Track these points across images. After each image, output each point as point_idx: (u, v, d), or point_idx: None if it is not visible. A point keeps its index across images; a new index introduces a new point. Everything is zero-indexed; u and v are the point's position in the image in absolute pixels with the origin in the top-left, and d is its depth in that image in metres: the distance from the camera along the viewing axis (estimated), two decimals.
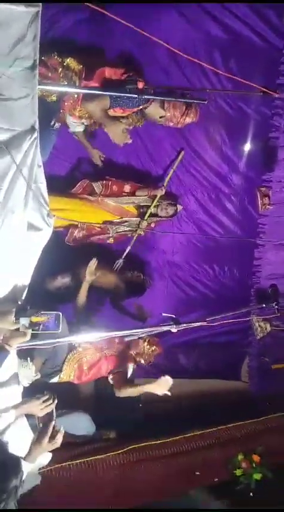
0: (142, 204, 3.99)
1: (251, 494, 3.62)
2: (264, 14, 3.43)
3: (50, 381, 3.29)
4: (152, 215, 4.03)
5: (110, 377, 3.36)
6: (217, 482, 3.68)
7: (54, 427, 2.28)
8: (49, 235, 2.26)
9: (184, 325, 2.74)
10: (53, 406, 2.33)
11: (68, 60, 2.90)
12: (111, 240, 4.00)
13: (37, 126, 1.95)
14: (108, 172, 3.89)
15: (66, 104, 3.05)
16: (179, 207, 4.14)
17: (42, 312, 2.17)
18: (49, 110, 2.97)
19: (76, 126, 3.40)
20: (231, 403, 4.55)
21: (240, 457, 3.78)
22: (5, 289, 2.19)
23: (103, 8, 2.62)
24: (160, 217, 4.08)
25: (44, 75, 2.76)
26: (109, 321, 3.88)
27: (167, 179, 4.02)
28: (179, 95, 3.42)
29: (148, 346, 3.64)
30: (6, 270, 2.16)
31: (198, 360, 4.76)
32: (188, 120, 3.36)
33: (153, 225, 4.13)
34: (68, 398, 3.41)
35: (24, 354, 2.76)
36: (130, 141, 3.22)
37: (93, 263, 3.47)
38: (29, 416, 2.44)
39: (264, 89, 3.47)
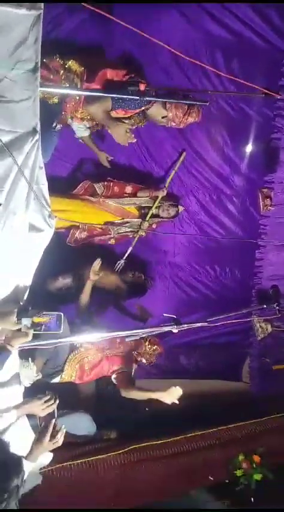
0: (143, 205, 4.00)
1: (252, 499, 3.61)
2: (266, 14, 3.43)
3: (51, 381, 3.31)
4: (153, 216, 4.04)
5: (113, 376, 3.38)
6: (215, 481, 3.68)
7: (55, 426, 2.29)
8: (50, 236, 2.27)
9: (185, 325, 2.74)
10: (55, 406, 2.34)
11: (70, 62, 2.91)
12: (112, 241, 4.01)
13: (39, 128, 1.96)
14: (110, 173, 3.89)
15: (67, 106, 3.07)
16: (180, 208, 4.15)
17: (43, 313, 2.18)
18: (51, 112, 2.98)
19: (82, 131, 3.43)
20: (232, 404, 4.55)
21: (241, 457, 3.79)
22: (6, 290, 2.20)
23: (105, 9, 2.63)
24: (162, 218, 4.09)
25: (45, 77, 2.76)
26: (111, 322, 3.91)
27: (168, 180, 4.03)
28: (181, 96, 3.42)
29: (149, 346, 3.66)
30: (8, 271, 2.17)
31: (199, 360, 4.77)
32: (190, 119, 3.37)
33: (154, 226, 4.14)
34: (69, 398, 3.43)
35: (26, 354, 2.78)
36: (134, 140, 3.23)
37: (97, 263, 3.50)
38: (30, 416, 2.45)
39: (266, 91, 3.47)
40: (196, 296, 4.58)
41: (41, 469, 2.71)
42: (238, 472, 3.74)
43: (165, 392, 2.98)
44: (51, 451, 2.44)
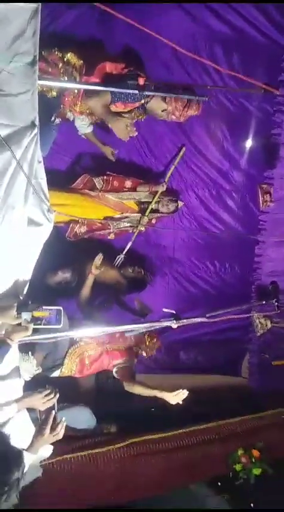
0: (143, 200, 4.00)
1: (252, 505, 3.63)
2: (266, 10, 3.41)
3: (51, 375, 3.32)
4: (153, 211, 4.04)
5: (114, 370, 3.39)
6: (215, 476, 3.70)
7: (55, 419, 2.30)
8: (49, 231, 2.27)
9: (185, 320, 2.75)
10: (55, 400, 2.35)
11: (69, 55, 2.91)
12: (111, 236, 4.01)
13: (37, 122, 1.96)
14: (109, 167, 3.89)
15: (66, 99, 3.06)
16: (180, 203, 4.14)
17: (43, 307, 2.19)
18: (49, 106, 2.97)
19: (85, 128, 3.43)
20: (231, 399, 4.58)
21: (240, 452, 3.81)
22: (6, 285, 2.21)
23: (105, 3, 2.63)
24: (161, 213, 4.09)
25: (44, 70, 2.76)
26: (110, 316, 3.91)
27: (168, 175, 4.02)
28: (180, 90, 3.41)
29: (149, 339, 3.68)
30: (7, 265, 2.18)
31: (198, 355, 4.78)
32: (190, 112, 3.36)
33: (153, 221, 4.14)
34: (69, 392, 3.43)
35: (26, 348, 2.79)
36: (136, 134, 3.23)
37: (99, 258, 3.56)
38: (30, 409, 2.46)
39: (265, 87, 3.46)
40: (196, 291, 4.58)
41: (41, 461, 2.72)
42: (238, 467, 3.76)
43: (171, 393, 3.04)
44: (52, 444, 2.45)
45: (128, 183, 3.91)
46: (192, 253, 4.50)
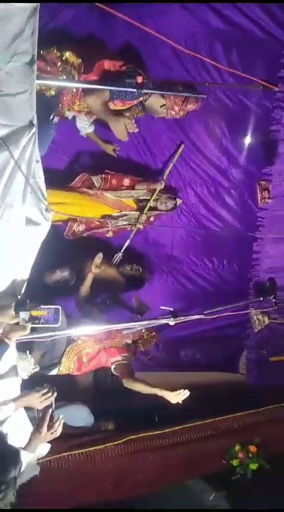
0: (141, 198, 4.00)
1: None
2: (266, 5, 3.39)
3: (49, 373, 3.33)
4: (151, 209, 4.04)
5: (113, 367, 3.40)
6: (212, 472, 3.73)
7: (52, 416, 2.31)
8: (47, 230, 2.27)
9: (182, 318, 2.76)
10: (52, 399, 2.36)
11: (67, 54, 2.89)
12: (110, 234, 4.01)
13: (35, 121, 1.95)
14: (108, 166, 3.88)
15: (65, 98, 3.05)
16: (178, 201, 4.14)
17: (41, 306, 2.20)
18: (48, 105, 2.96)
19: (87, 128, 3.42)
20: (229, 395, 4.60)
21: (237, 447, 3.83)
22: (4, 284, 2.21)
23: (104, 2, 2.61)
24: (160, 210, 4.09)
25: (42, 69, 2.75)
26: (108, 314, 3.92)
27: (166, 173, 4.02)
28: (179, 87, 3.40)
29: (147, 333, 3.69)
30: (5, 265, 2.18)
31: (196, 352, 4.80)
32: (189, 106, 3.36)
33: (152, 218, 4.14)
34: (67, 390, 3.45)
35: (23, 347, 2.80)
36: (137, 130, 3.21)
37: (99, 257, 3.57)
38: (28, 408, 2.47)
39: (264, 83, 3.45)
40: (194, 289, 4.59)
41: (38, 459, 2.74)
42: (235, 462, 3.79)
43: (172, 392, 3.02)
44: (49, 442, 2.46)
45: (126, 181, 3.91)
46: (190, 251, 4.51)
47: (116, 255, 4.15)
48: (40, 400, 2.33)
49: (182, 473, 3.69)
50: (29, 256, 2.29)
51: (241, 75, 3.35)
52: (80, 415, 3.54)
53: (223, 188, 4.23)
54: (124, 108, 3.27)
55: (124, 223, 4.00)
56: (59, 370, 3.36)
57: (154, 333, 3.76)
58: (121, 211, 3.95)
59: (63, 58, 2.88)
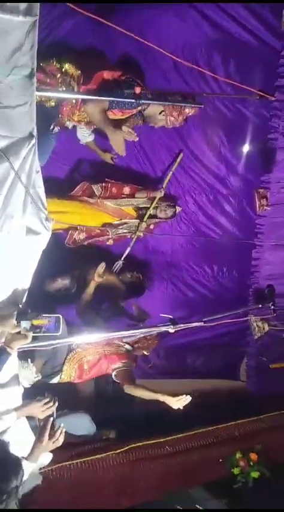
0: (141, 206, 4.03)
1: None
2: (262, 15, 3.45)
3: (50, 382, 3.34)
4: (151, 217, 4.07)
5: (114, 374, 3.40)
6: (214, 480, 3.72)
7: (53, 425, 2.32)
8: (48, 239, 2.29)
9: (182, 325, 2.78)
10: (54, 408, 2.36)
11: (66, 65, 2.93)
12: (110, 242, 4.03)
13: (35, 133, 1.98)
14: (108, 174, 3.92)
15: (64, 109, 3.08)
16: (178, 209, 4.17)
17: (42, 315, 2.21)
18: (48, 115, 3.00)
19: (87, 137, 3.45)
20: (229, 402, 4.59)
21: (238, 455, 3.82)
22: (5, 293, 2.23)
23: (103, 12, 2.66)
24: (159, 218, 4.12)
25: (42, 81, 2.78)
26: (109, 322, 3.93)
27: (166, 181, 4.05)
28: (177, 97, 3.45)
29: (148, 337, 3.70)
30: (6, 274, 2.20)
31: (196, 360, 4.80)
32: (188, 110, 3.39)
33: (152, 226, 4.16)
34: (68, 398, 3.45)
35: (25, 355, 2.81)
36: (136, 139, 3.25)
37: (102, 266, 3.61)
38: (30, 418, 2.47)
39: (261, 93, 3.50)
40: (194, 296, 4.61)
41: (40, 469, 2.73)
42: (236, 470, 3.78)
43: (174, 398, 3.00)
44: (51, 451, 2.46)
45: (126, 190, 3.94)
46: (189, 258, 4.53)
47: (117, 262, 4.17)
48: (41, 409, 2.33)
49: (183, 481, 3.68)
50: (30, 266, 2.30)
51: (238, 85, 3.38)
52: (82, 424, 3.54)
53: (222, 196, 4.27)
54: (124, 117, 3.30)
55: (125, 231, 4.03)
56: (60, 378, 3.37)
57: (154, 338, 3.78)
58: (121, 220, 3.97)
59: (63, 70, 2.92)
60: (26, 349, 2.34)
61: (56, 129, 3.28)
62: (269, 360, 4.70)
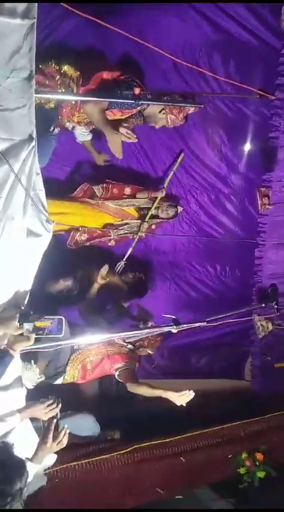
0: (142, 206, 4.03)
1: None
2: (261, 15, 3.43)
3: (54, 383, 3.34)
4: (153, 217, 4.08)
5: (116, 374, 3.41)
6: (219, 480, 3.71)
7: (57, 426, 2.32)
8: (48, 241, 2.30)
9: (184, 325, 2.78)
10: (57, 410, 2.37)
11: (65, 67, 2.94)
12: (112, 243, 4.04)
13: (35, 135, 1.99)
14: (109, 175, 3.92)
15: (64, 110, 3.10)
16: (179, 209, 4.18)
17: (45, 317, 2.23)
18: (47, 117, 3.00)
19: (85, 135, 3.45)
20: (234, 402, 4.57)
21: (244, 455, 3.80)
22: (7, 296, 2.24)
23: (102, 12, 2.66)
24: (161, 218, 4.13)
25: (41, 83, 2.79)
26: (111, 322, 3.93)
27: (167, 181, 4.06)
28: (177, 97, 3.44)
29: (151, 337, 3.70)
30: (8, 276, 2.20)
31: (200, 360, 4.79)
32: (188, 108, 3.39)
33: (153, 226, 4.17)
34: (72, 399, 3.45)
35: (28, 357, 2.82)
36: (136, 140, 3.25)
37: (105, 269, 3.64)
38: (33, 419, 2.48)
39: (261, 92, 3.49)
40: (197, 296, 4.60)
41: (45, 470, 2.74)
42: (241, 470, 3.76)
43: (177, 393, 2.97)
44: (55, 452, 2.46)
45: (127, 190, 3.95)
46: (192, 258, 4.52)
47: (119, 263, 4.18)
48: (45, 411, 2.34)
49: (189, 481, 3.67)
50: (31, 268, 2.31)
51: (238, 85, 3.38)
52: (86, 425, 3.53)
53: (223, 195, 4.26)
54: (123, 117, 3.31)
55: (126, 231, 4.04)
56: (63, 378, 3.38)
57: (157, 337, 3.78)
58: (122, 220, 3.98)
59: (62, 71, 2.93)
60: (28, 351, 2.34)
61: (56, 130, 3.29)
62: (273, 359, 4.68)
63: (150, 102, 3.15)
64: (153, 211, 4.02)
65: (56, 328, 2.25)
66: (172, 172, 4.04)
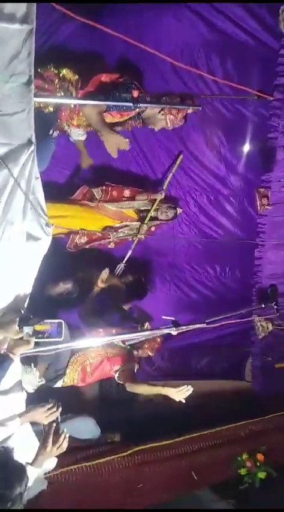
0: (142, 208, 4.03)
1: None
2: (259, 15, 3.44)
3: (54, 386, 3.34)
4: (152, 219, 4.07)
5: (116, 376, 3.41)
6: (220, 481, 3.71)
7: (57, 431, 2.32)
8: (48, 244, 2.30)
9: (184, 327, 2.78)
10: (58, 414, 2.36)
11: (64, 71, 2.94)
12: (112, 245, 4.04)
13: (34, 139, 1.99)
14: (108, 177, 3.92)
15: (63, 114, 3.10)
16: (179, 210, 4.17)
17: (45, 321, 2.23)
18: (47, 120, 3.01)
19: (80, 135, 3.45)
20: (235, 403, 4.58)
21: (244, 456, 3.81)
22: (7, 299, 2.24)
23: (98, 18, 2.66)
24: (161, 220, 4.12)
25: (40, 87, 2.80)
26: (111, 324, 3.93)
27: (166, 183, 4.05)
28: (175, 99, 3.45)
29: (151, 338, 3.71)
30: (7, 280, 2.20)
31: (201, 361, 4.80)
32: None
33: (153, 228, 4.17)
34: (73, 402, 3.45)
35: (28, 360, 2.82)
36: (128, 148, 3.26)
37: (105, 272, 3.64)
38: (34, 423, 2.47)
39: (259, 93, 3.49)
40: (197, 297, 4.60)
41: (45, 474, 2.74)
42: (242, 471, 3.77)
43: (175, 389, 2.97)
44: (56, 455, 2.46)
45: (127, 192, 3.94)
46: (192, 259, 4.52)
47: (119, 265, 4.18)
48: (45, 415, 2.33)
49: (190, 483, 3.67)
50: (31, 272, 2.31)
51: (237, 86, 3.38)
52: (86, 428, 3.53)
53: (222, 196, 4.26)
54: (122, 120, 3.31)
55: (126, 233, 4.03)
56: (63, 381, 3.37)
57: (157, 338, 3.78)
58: (122, 222, 3.98)
59: (60, 75, 2.93)
60: (28, 354, 2.34)
61: (55, 133, 3.29)
62: (274, 359, 4.69)
63: (149, 105, 3.14)
64: (152, 213, 4.02)
65: (56, 331, 2.25)
66: (171, 174, 4.04)
